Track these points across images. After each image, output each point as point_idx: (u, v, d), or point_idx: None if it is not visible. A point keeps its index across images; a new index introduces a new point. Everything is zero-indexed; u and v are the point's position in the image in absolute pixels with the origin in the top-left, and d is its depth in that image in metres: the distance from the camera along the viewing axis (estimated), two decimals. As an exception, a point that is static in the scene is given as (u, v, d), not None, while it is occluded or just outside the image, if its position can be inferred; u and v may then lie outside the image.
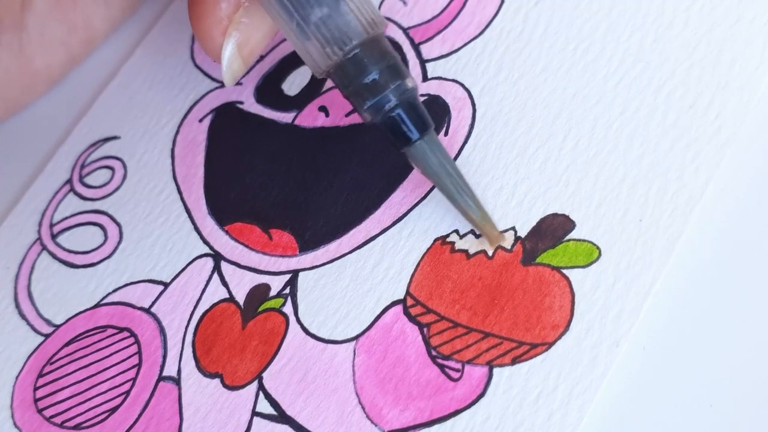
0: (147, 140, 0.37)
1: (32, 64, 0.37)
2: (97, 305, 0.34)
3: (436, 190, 0.31)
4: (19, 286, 0.35)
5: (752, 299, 0.28)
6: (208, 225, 0.34)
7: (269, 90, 0.36)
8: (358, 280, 0.31)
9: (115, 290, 0.34)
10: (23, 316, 0.34)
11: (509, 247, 0.30)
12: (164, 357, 0.32)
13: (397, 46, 0.35)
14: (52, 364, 0.33)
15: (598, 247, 0.29)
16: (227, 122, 0.36)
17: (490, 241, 0.30)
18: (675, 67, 0.31)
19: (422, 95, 0.33)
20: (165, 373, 0.32)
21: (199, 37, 0.31)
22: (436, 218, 0.31)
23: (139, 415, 0.31)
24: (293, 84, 0.36)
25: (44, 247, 0.36)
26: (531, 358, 0.28)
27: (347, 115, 0.34)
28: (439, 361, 0.29)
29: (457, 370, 0.29)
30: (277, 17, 0.30)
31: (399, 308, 0.30)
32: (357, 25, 0.29)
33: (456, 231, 0.31)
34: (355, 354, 0.30)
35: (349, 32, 0.29)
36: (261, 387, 0.30)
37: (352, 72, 0.29)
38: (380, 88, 0.29)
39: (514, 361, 0.28)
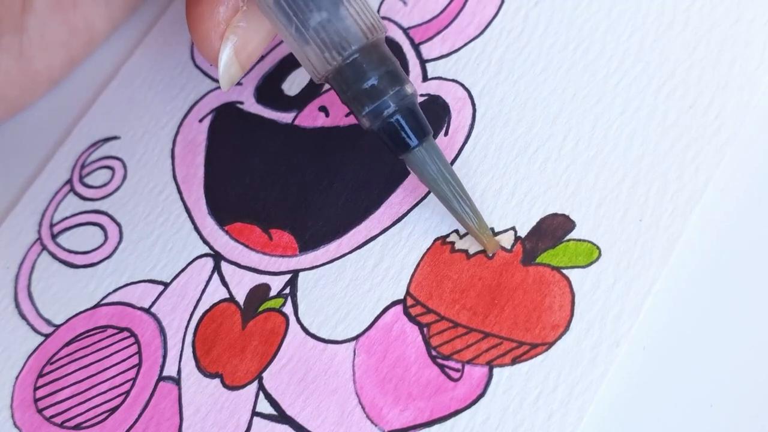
0: (147, 140, 0.37)
1: (32, 65, 0.37)
2: (97, 305, 0.34)
3: (436, 190, 0.31)
4: (19, 286, 0.35)
5: (752, 299, 0.28)
6: (208, 225, 0.34)
7: (269, 90, 0.36)
8: (358, 280, 0.31)
9: (115, 290, 0.34)
10: (23, 316, 0.34)
11: (509, 247, 0.30)
12: (164, 357, 0.32)
13: (397, 46, 0.35)
14: (52, 364, 0.33)
15: (598, 247, 0.29)
16: (227, 122, 0.36)
17: (487, 249, 0.30)
18: (675, 67, 0.31)
19: (422, 95, 0.33)
20: (165, 373, 0.32)
21: (196, 41, 0.31)
22: (436, 218, 0.31)
23: (139, 415, 0.31)
24: (293, 84, 0.36)
25: (44, 247, 0.36)
26: (531, 358, 0.28)
27: (347, 115, 0.34)
28: (439, 361, 0.29)
29: (457, 370, 0.29)
30: (275, 21, 0.30)
31: (399, 308, 0.30)
32: (357, 30, 0.29)
33: (456, 231, 0.31)
34: (355, 354, 0.30)
35: (348, 37, 0.29)
36: (261, 387, 0.30)
37: (351, 77, 0.29)
38: (379, 94, 0.29)
39: (514, 361, 0.28)
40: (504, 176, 0.31)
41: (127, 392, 0.32)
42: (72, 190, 0.37)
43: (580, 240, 0.29)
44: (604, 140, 0.31)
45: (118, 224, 0.35)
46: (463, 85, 0.33)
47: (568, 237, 0.30)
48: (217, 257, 0.33)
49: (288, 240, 0.33)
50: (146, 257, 0.34)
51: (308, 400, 0.30)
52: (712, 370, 0.27)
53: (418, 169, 0.30)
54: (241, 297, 0.32)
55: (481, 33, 0.34)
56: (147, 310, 0.33)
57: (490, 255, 0.30)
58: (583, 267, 0.29)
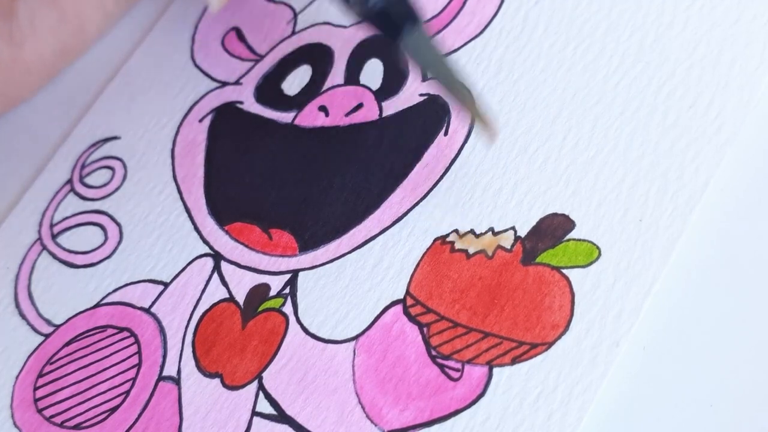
0: (147, 140, 0.37)
1: (23, 53, 0.37)
2: (97, 305, 0.34)
3: (436, 189, 0.31)
4: (19, 286, 0.35)
5: (752, 299, 0.28)
6: (208, 225, 0.34)
7: (269, 90, 0.36)
8: (358, 280, 0.31)
9: (115, 290, 0.34)
10: (23, 316, 0.34)
11: (509, 247, 0.30)
12: (164, 357, 0.32)
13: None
14: (52, 363, 0.33)
15: (598, 247, 0.29)
16: (227, 122, 0.36)
17: (486, 126, 0.30)
18: (675, 67, 0.31)
19: (422, 95, 0.33)
20: (165, 373, 0.32)
21: None
22: (436, 218, 0.31)
23: (139, 415, 0.31)
24: (293, 84, 0.36)
25: (44, 247, 0.36)
26: (531, 358, 0.28)
27: (347, 114, 0.34)
28: (439, 360, 0.29)
29: (457, 370, 0.29)
30: None
31: (399, 308, 0.30)
32: None
33: (456, 230, 0.31)
34: (354, 354, 0.30)
35: None
36: (261, 387, 0.30)
37: None
38: None
39: (514, 361, 0.28)
40: (504, 176, 0.31)
41: (127, 392, 0.32)
42: (72, 190, 0.37)
43: (580, 240, 0.29)
44: (604, 140, 0.31)
45: (118, 224, 0.35)
46: (463, 85, 0.33)
47: (568, 237, 0.30)
48: (217, 257, 0.33)
49: (288, 240, 0.33)
50: (146, 257, 0.34)
51: (308, 400, 0.30)
52: (712, 370, 0.27)
53: (413, 52, 0.30)
54: (241, 297, 0.32)
55: (481, 33, 0.34)
56: (147, 310, 0.33)
57: (492, 140, 0.30)
58: (583, 267, 0.29)
